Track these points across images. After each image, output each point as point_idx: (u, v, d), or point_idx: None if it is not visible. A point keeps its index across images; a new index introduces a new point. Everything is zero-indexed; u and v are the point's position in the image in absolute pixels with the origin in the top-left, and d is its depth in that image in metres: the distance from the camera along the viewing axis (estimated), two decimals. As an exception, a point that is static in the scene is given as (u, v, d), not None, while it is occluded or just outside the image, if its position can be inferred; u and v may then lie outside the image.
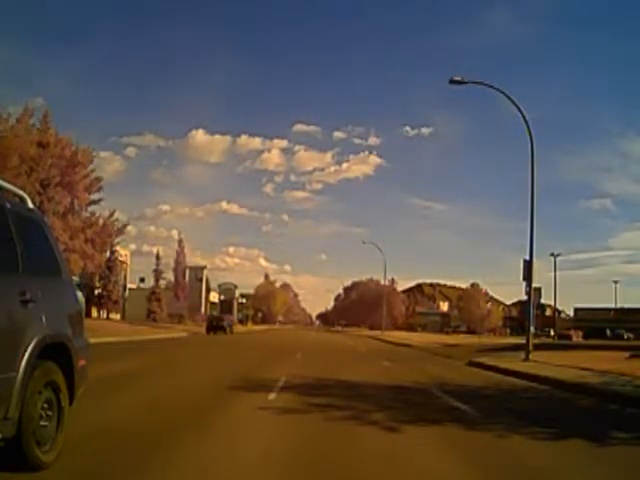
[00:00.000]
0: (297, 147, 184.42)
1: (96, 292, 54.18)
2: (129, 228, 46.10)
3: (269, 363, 15.83)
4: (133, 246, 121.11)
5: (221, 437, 5.79)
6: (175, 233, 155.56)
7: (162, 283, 65.20)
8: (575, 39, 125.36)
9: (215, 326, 45.64)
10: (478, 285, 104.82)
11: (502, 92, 20.77)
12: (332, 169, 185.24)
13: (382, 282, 78.80)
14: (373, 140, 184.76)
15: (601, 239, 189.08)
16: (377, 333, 62.17)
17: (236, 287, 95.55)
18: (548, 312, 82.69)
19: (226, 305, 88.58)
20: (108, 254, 47.77)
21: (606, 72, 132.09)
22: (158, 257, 65.87)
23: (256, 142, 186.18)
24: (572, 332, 64.85)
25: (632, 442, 6.47)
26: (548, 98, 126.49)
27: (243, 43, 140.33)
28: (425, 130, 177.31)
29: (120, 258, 58.53)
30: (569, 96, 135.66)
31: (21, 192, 4.92)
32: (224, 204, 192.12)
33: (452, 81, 20.74)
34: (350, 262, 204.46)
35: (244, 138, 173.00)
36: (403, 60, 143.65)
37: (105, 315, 56.21)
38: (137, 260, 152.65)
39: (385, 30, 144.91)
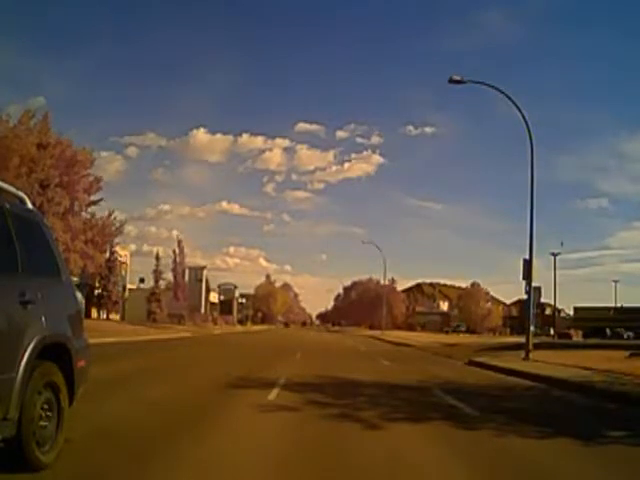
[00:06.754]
0: (299, 146, 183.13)
1: (96, 292, 54.18)
2: (129, 228, 46.25)
3: (269, 363, 15.84)
4: (133, 246, 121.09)
5: (221, 437, 5.79)
6: (175, 233, 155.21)
7: (162, 283, 65.18)
8: (572, 38, 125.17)
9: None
10: (478, 284, 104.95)
11: (502, 92, 20.77)
12: (334, 168, 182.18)
13: (382, 282, 78.89)
14: (376, 139, 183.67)
15: (599, 238, 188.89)
16: (377, 333, 62.11)
17: (236, 287, 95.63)
18: (548, 311, 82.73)
19: (226, 305, 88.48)
20: (108, 254, 47.73)
21: (603, 71, 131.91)
22: (158, 257, 65.71)
23: (258, 141, 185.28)
24: (572, 331, 64.87)
25: (630, 442, 6.47)
26: (545, 98, 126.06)
27: (245, 41, 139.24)
28: (428, 129, 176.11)
29: (120, 258, 58.52)
30: (566, 96, 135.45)
31: (20, 193, 4.93)
32: (225, 204, 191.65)
33: (451, 80, 20.73)
34: (350, 262, 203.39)
35: (245, 137, 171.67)
36: (405, 59, 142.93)
37: (105, 316, 56.20)
38: (137, 260, 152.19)
39: (387, 30, 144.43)
